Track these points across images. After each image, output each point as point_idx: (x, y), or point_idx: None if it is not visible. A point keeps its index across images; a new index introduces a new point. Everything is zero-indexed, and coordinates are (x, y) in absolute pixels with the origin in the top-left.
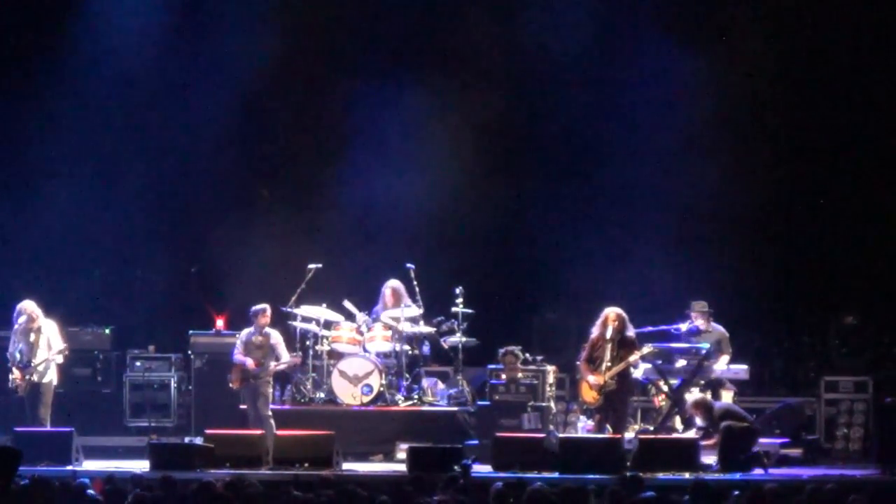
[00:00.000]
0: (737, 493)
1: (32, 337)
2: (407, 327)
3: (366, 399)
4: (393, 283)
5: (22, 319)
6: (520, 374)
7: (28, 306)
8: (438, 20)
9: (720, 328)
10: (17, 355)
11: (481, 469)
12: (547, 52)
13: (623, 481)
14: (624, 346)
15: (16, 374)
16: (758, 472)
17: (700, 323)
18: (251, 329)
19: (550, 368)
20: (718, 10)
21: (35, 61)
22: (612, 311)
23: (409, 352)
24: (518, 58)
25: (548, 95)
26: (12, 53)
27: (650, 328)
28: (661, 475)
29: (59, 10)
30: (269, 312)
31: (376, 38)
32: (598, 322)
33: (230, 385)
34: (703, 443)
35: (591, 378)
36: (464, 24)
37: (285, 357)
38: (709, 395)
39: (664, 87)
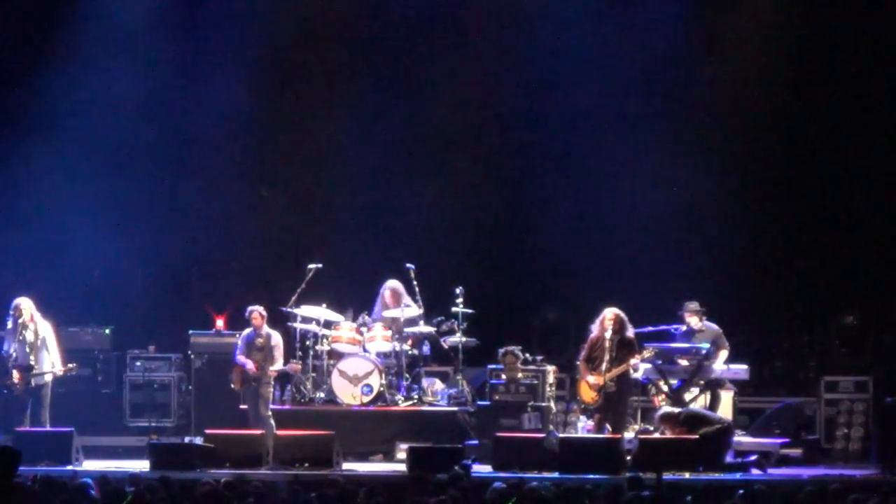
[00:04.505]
0: (740, 492)
1: (29, 337)
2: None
3: (366, 399)
4: (391, 284)
5: (17, 317)
6: (520, 374)
7: (23, 303)
8: (439, 24)
9: (713, 326)
10: (13, 353)
11: (481, 469)
12: (548, 53)
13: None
14: (624, 346)
15: (14, 375)
16: (757, 472)
17: (693, 322)
18: (251, 330)
19: (550, 368)
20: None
21: (35, 59)
22: (609, 312)
23: (409, 351)
24: (517, 58)
25: (548, 96)
26: (13, 49)
27: (650, 328)
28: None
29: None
30: (261, 312)
31: (376, 41)
32: (597, 322)
33: (231, 386)
34: None
35: (591, 378)
36: (462, 25)
37: (279, 363)
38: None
39: (665, 88)
